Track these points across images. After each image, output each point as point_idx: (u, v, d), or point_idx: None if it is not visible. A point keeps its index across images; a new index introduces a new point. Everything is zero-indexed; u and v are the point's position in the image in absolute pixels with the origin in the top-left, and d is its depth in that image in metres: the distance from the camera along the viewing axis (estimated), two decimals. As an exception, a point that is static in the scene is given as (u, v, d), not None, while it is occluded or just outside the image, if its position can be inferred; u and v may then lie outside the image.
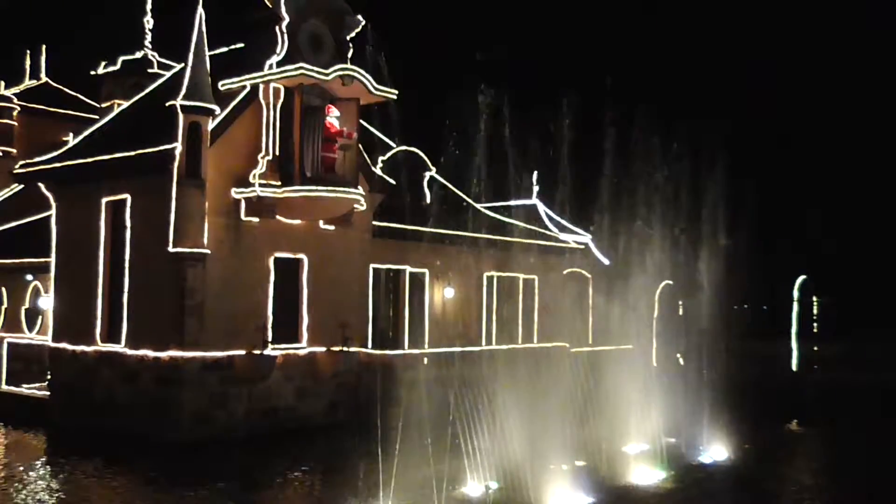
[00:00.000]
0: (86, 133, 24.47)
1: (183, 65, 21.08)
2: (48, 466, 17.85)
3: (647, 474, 16.28)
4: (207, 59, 20.28)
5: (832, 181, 72.00)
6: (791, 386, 33.69)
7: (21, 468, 17.30)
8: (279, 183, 20.86)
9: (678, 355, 22.15)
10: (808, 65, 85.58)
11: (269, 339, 21.00)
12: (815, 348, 48.23)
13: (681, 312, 26.96)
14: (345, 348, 22.17)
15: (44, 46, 37.06)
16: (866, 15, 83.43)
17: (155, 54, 31.54)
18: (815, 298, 52.08)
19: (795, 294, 48.01)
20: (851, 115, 77.98)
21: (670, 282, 31.27)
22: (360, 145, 22.54)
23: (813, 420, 25.42)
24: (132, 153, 20.59)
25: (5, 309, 27.69)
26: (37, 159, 24.13)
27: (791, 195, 64.19)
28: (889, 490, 16.58)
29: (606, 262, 33.00)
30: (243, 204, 20.85)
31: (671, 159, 23.25)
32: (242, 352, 20.55)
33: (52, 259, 23.20)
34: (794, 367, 43.09)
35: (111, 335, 21.36)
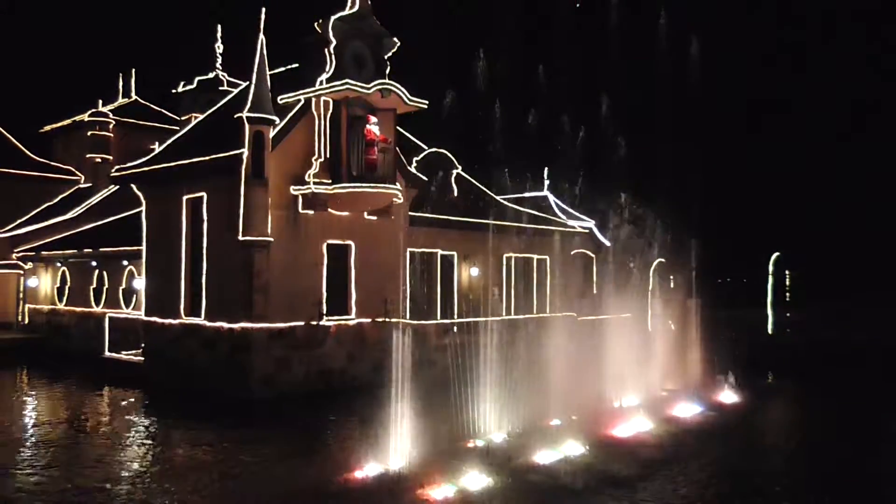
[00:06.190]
0: (169, 142, 24.70)
1: (248, 83, 21.16)
2: (145, 418, 18.17)
3: (640, 424, 16.11)
4: (268, 77, 20.37)
5: (805, 171, 70.93)
6: (766, 346, 33.31)
7: (123, 421, 17.65)
8: (330, 181, 20.93)
9: (669, 322, 21.93)
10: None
11: (324, 311, 21.15)
12: (788, 314, 47.69)
13: (672, 286, 26.68)
14: (386, 319, 22.23)
15: (133, 70, 37.58)
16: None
17: (225, 74, 31.69)
18: (787, 272, 51.47)
19: (770, 268, 47.51)
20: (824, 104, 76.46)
21: (663, 259, 30.96)
22: (396, 148, 22.51)
23: (786, 374, 25.23)
24: (207, 158, 20.79)
25: (106, 289, 28.14)
26: (129, 164, 24.45)
27: (768, 180, 63.29)
28: (856, 432, 16.39)
29: (608, 243, 32.71)
30: (300, 199, 20.94)
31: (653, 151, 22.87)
32: (302, 323, 20.72)
33: (143, 247, 23.52)
34: (769, 331, 42.62)
35: (193, 310, 21.62)
